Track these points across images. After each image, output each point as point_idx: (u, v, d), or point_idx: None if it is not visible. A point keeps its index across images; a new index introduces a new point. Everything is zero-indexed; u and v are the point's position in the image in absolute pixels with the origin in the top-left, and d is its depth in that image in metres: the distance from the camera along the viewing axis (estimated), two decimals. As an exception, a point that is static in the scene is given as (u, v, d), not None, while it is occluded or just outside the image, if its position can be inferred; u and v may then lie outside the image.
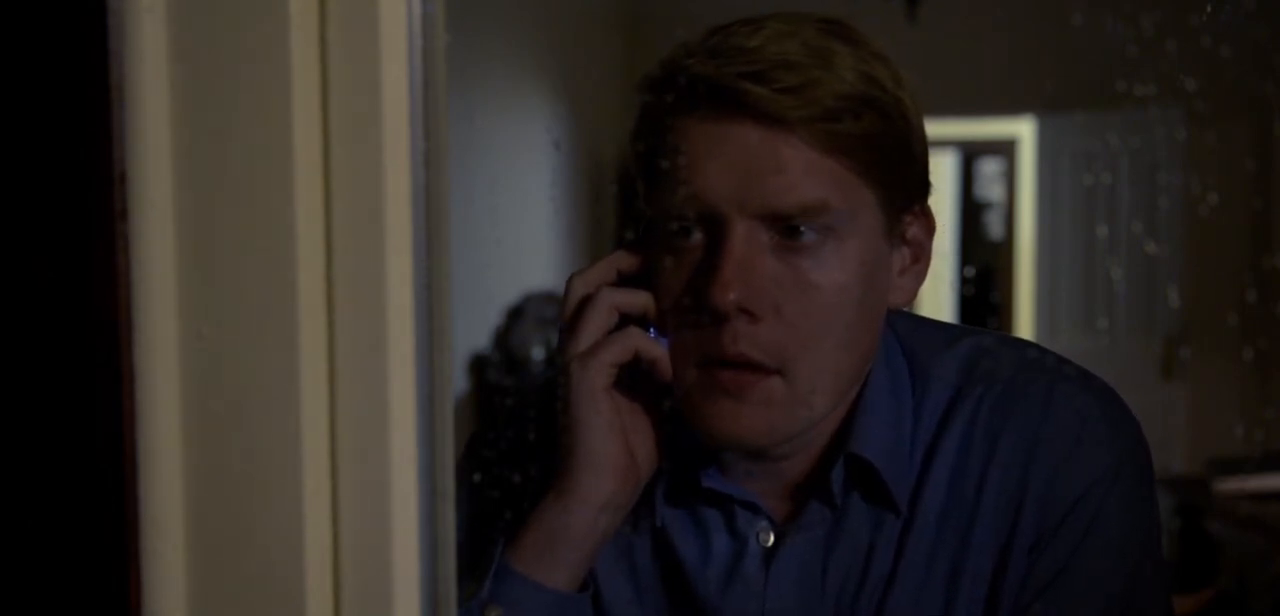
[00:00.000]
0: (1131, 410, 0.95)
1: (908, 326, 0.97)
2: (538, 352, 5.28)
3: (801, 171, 0.83)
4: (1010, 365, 0.94)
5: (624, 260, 0.91)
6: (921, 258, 0.92)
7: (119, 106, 0.53)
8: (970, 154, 7.88)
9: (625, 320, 0.89)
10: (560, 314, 0.90)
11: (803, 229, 0.84)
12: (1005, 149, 6.55)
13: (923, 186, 0.91)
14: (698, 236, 0.85)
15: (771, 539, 0.93)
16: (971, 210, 8.20)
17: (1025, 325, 6.17)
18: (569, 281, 0.90)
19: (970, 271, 7.90)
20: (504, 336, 5.27)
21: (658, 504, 0.95)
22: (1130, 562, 0.91)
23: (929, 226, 0.92)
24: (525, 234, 5.39)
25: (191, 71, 0.54)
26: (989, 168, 8.04)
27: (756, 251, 0.84)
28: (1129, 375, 5.38)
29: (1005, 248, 6.74)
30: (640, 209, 0.90)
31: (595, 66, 5.70)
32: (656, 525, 0.95)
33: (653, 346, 0.88)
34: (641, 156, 0.88)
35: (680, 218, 0.85)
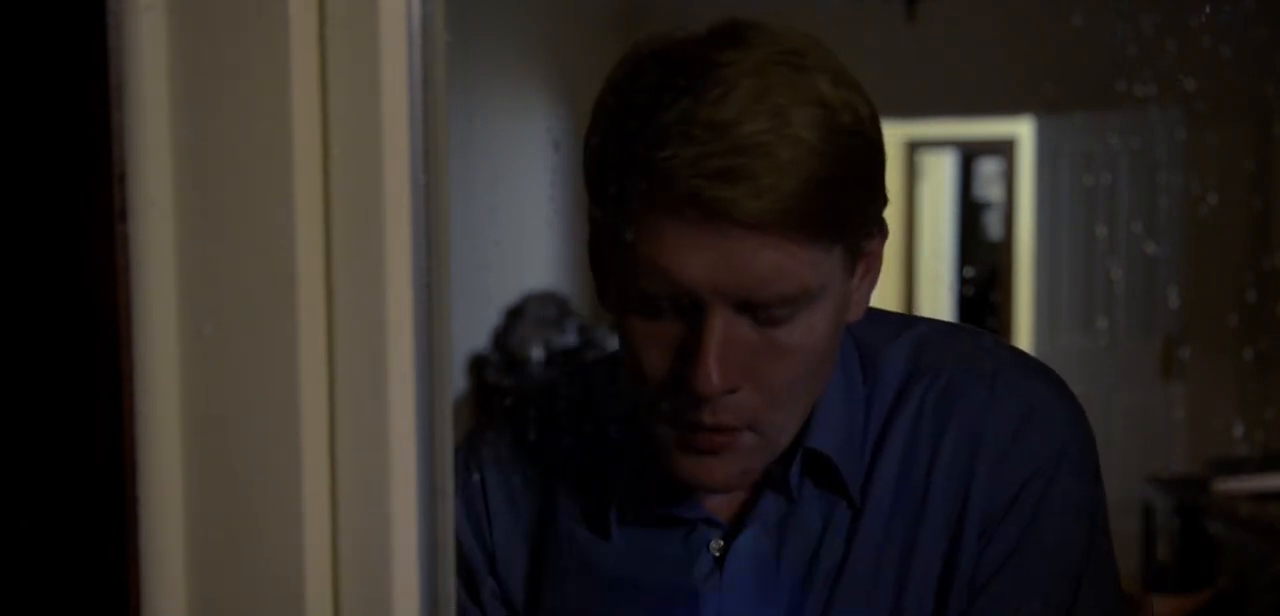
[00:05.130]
0: (1073, 394, 0.96)
1: (861, 321, 0.97)
2: (536, 352, 5.28)
3: (782, 266, 0.83)
4: (954, 354, 0.96)
5: None
6: (874, 266, 0.93)
7: (118, 106, 0.53)
8: (969, 154, 7.89)
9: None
10: None
11: (780, 309, 0.85)
12: (1004, 149, 6.55)
13: (883, 208, 0.92)
14: (671, 308, 0.85)
15: (721, 545, 0.95)
16: (971, 210, 8.20)
17: (1024, 325, 6.18)
18: None
19: (970, 271, 7.91)
20: (503, 336, 5.27)
21: (612, 522, 0.97)
22: (1079, 543, 0.93)
23: (883, 235, 0.93)
24: (524, 234, 5.39)
25: (191, 71, 0.54)
26: (988, 168, 8.05)
27: (735, 331, 0.85)
28: (1129, 375, 5.39)
29: (1005, 248, 6.75)
30: (599, 221, 0.89)
31: (595, 66, 5.70)
32: (610, 539, 0.97)
33: None
34: (610, 201, 0.86)
35: (656, 293, 0.85)
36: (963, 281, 7.89)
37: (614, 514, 0.97)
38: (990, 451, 0.92)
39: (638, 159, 0.82)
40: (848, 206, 0.85)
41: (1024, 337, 6.00)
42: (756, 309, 0.84)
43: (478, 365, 5.17)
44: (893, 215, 0.93)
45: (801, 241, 0.83)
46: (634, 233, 0.84)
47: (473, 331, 5.08)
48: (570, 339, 5.53)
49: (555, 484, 1.00)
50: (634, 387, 0.89)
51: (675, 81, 0.82)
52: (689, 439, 0.88)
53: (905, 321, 1.00)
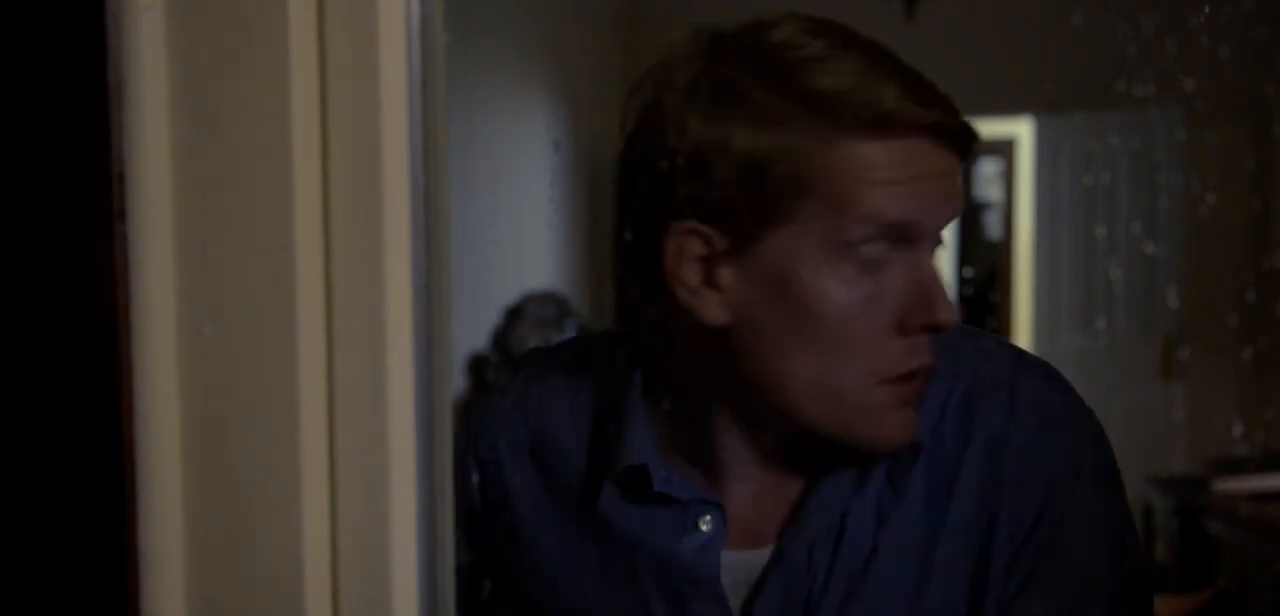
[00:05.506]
0: (1083, 400, 0.98)
1: None
2: (537, 353, 5.26)
3: (959, 184, 0.88)
4: (967, 359, 0.96)
5: None
6: None
7: (118, 106, 0.53)
8: (969, 154, 7.86)
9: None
10: None
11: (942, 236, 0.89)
12: (1004, 149, 6.54)
13: None
14: (879, 252, 0.85)
15: (710, 521, 0.94)
16: (970, 210, 8.19)
17: (1023, 325, 6.17)
18: None
19: (969, 271, 7.90)
20: (502, 336, 5.27)
21: (612, 503, 0.96)
22: (1110, 549, 0.95)
23: None
24: (524, 234, 5.39)
25: (190, 71, 0.54)
26: (988, 168, 8.04)
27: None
28: (1128, 375, 5.38)
29: (1004, 248, 6.73)
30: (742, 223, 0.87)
31: (595, 66, 5.70)
32: (604, 517, 0.96)
33: None
34: (797, 172, 0.85)
35: (867, 236, 0.85)
36: (962, 281, 7.88)
37: (612, 493, 0.96)
38: (1015, 464, 0.93)
39: (844, 122, 0.83)
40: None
41: (1023, 338, 5.99)
42: (938, 237, 0.88)
43: (477, 365, 5.17)
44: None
45: (960, 159, 0.88)
46: (853, 195, 0.84)
47: (472, 331, 5.08)
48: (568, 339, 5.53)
49: (547, 464, 1.01)
50: (838, 367, 0.87)
51: (815, 54, 0.85)
52: (904, 392, 0.88)
53: None
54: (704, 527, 0.94)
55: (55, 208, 0.54)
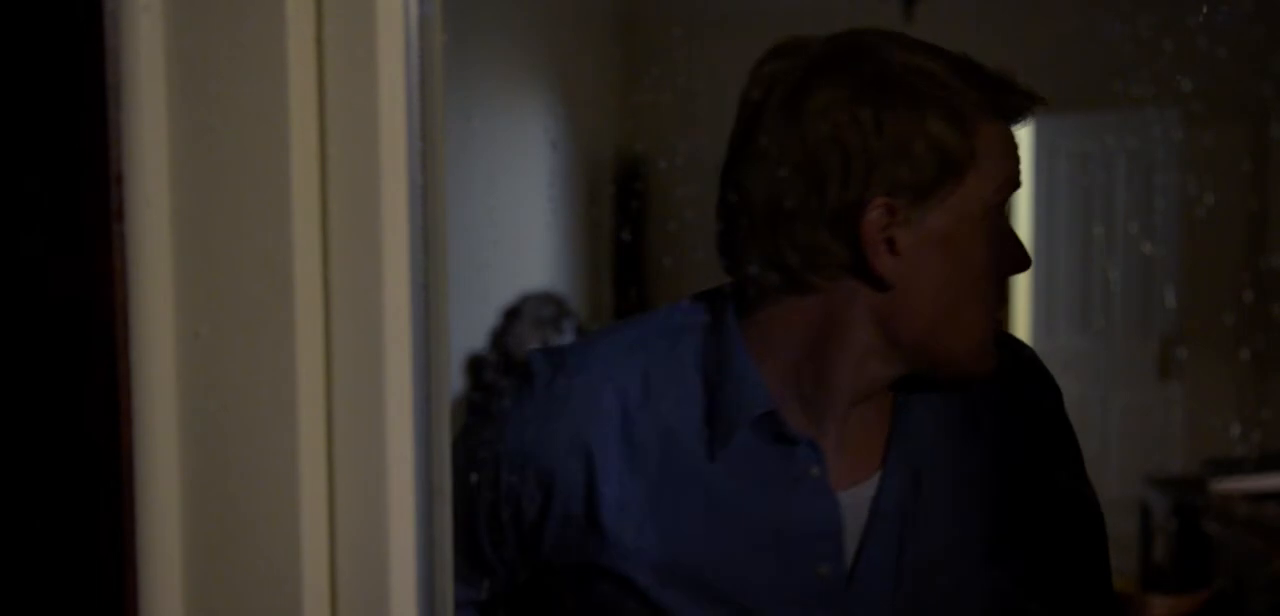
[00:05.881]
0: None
1: None
2: (535, 353, 5.25)
3: None
4: None
5: None
6: None
7: (116, 106, 0.53)
8: (967, 154, 7.85)
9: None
10: None
11: None
12: (1002, 149, 6.54)
13: None
14: (994, 220, 1.02)
15: (818, 470, 1.03)
16: (969, 210, 8.18)
17: (1021, 325, 6.18)
18: None
19: (967, 271, 7.89)
20: (501, 337, 5.27)
21: (735, 453, 1.02)
22: (1080, 469, 1.15)
23: None
24: (522, 234, 5.39)
25: (188, 71, 0.54)
26: (986, 168, 8.04)
27: None
28: (1126, 375, 5.38)
29: (1002, 248, 6.73)
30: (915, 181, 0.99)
31: (593, 67, 5.70)
32: (715, 464, 1.02)
33: None
34: (954, 150, 1.00)
35: (1002, 196, 1.03)
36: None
37: (739, 444, 1.02)
38: (1023, 428, 1.10)
39: (977, 105, 1.00)
40: None
41: (1021, 337, 6.00)
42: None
43: (475, 365, 5.17)
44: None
45: None
46: (1000, 165, 1.01)
47: (470, 331, 5.08)
48: (568, 339, 5.53)
49: (639, 443, 1.03)
50: (976, 309, 1.03)
51: (934, 55, 1.02)
52: (998, 327, 1.04)
53: None
54: (815, 473, 1.03)
55: (54, 208, 0.54)
